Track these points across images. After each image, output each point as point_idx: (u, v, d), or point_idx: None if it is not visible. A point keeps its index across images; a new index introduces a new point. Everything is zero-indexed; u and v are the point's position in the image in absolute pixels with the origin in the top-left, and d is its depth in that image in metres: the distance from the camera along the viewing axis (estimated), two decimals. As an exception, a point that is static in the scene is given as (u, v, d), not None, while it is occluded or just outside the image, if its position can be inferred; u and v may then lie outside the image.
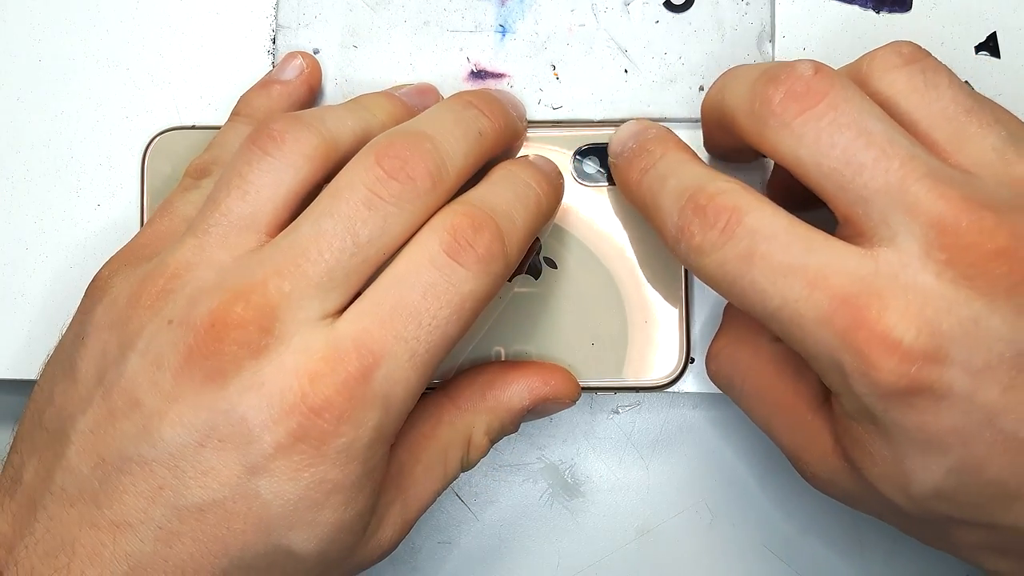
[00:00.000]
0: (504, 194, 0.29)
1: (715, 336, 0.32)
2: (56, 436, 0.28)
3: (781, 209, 0.27)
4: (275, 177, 0.28)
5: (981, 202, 0.25)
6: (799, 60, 0.27)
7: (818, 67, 0.27)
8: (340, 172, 0.28)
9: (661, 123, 0.34)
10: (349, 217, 0.27)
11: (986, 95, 0.34)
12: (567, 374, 0.33)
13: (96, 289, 0.29)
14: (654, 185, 0.29)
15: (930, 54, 0.28)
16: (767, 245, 0.26)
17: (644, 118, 0.34)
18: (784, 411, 0.30)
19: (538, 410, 0.33)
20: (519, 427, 0.33)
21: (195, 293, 0.27)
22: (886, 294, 0.25)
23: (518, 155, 0.34)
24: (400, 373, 0.27)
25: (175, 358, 0.26)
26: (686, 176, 0.28)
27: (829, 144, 0.26)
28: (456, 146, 0.29)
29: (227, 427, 0.26)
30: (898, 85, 0.27)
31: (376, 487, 0.28)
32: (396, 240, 0.27)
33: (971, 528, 0.27)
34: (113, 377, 0.27)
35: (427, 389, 0.28)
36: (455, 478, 0.31)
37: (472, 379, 0.32)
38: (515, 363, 0.33)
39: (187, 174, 0.32)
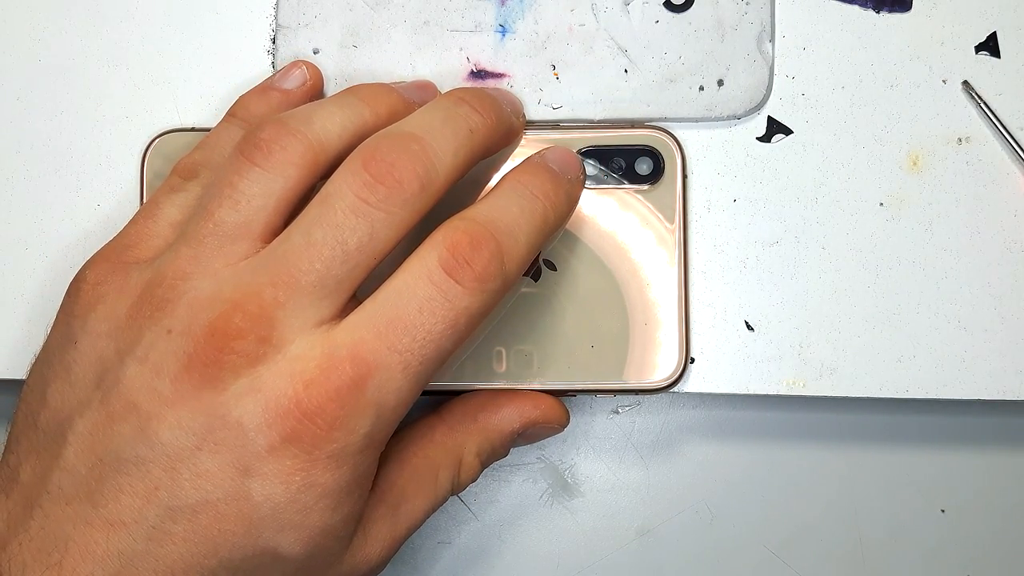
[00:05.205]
0: (509, 208, 0.29)
1: None
2: (53, 437, 0.28)
3: None
4: (265, 187, 0.28)
5: None
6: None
7: None
8: (330, 178, 0.28)
9: (662, 123, 0.35)
10: (337, 226, 0.27)
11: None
12: (557, 401, 0.33)
13: (82, 293, 0.29)
14: None
15: None
16: None
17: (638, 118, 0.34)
18: None
19: (528, 434, 0.33)
20: (509, 452, 0.34)
21: (193, 303, 0.27)
22: None
23: (518, 150, 0.34)
24: (393, 383, 0.27)
25: (175, 366, 0.27)
26: None
27: None
28: (445, 145, 0.29)
29: (223, 430, 0.26)
30: None
31: (364, 493, 0.28)
32: (386, 245, 0.28)
33: None
34: (111, 382, 0.27)
35: (424, 393, 0.29)
36: (445, 499, 0.32)
37: (465, 402, 0.33)
38: (506, 391, 0.33)
39: (175, 172, 0.32)
